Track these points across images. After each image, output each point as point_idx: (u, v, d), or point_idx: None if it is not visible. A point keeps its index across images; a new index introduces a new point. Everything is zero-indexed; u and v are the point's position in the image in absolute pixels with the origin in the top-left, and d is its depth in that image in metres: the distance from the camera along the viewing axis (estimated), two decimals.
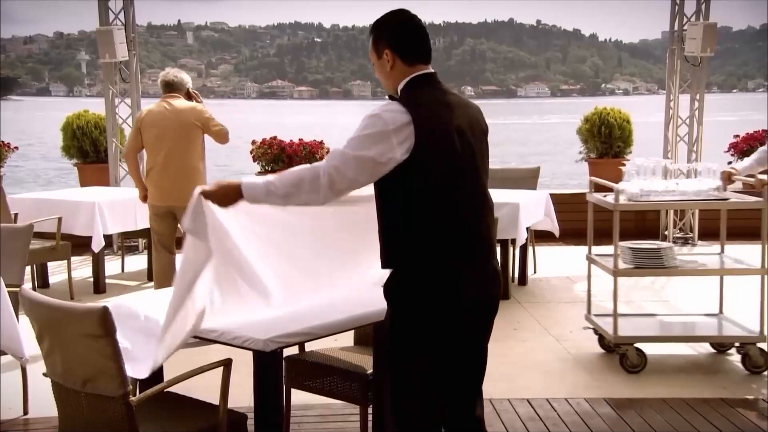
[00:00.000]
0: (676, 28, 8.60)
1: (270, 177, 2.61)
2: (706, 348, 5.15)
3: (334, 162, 2.52)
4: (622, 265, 4.75)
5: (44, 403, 3.37)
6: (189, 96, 5.77)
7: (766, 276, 4.66)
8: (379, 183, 2.58)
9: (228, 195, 2.65)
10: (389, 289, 2.63)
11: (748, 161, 4.90)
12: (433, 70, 2.67)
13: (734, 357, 4.95)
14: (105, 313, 2.50)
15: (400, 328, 2.62)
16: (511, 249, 6.53)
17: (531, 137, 46.90)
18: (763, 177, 4.70)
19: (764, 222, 4.62)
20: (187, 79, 5.81)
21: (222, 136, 5.71)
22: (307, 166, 2.60)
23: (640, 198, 4.73)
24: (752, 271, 4.78)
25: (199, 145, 5.68)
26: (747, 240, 6.32)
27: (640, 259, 4.75)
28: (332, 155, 2.55)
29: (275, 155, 8.74)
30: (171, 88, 5.71)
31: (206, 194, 2.66)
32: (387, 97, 2.67)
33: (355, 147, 2.50)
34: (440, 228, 2.55)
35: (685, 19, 8.53)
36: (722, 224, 5.18)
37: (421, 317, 2.57)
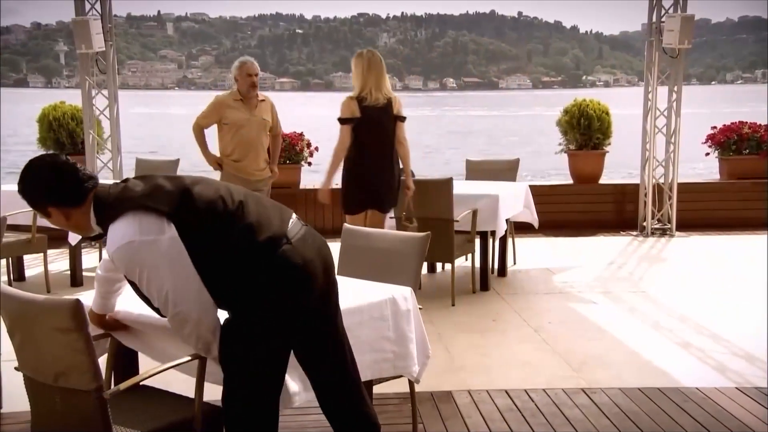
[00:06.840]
0: (654, 20, 8.64)
1: None
2: (681, 338, 5.19)
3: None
4: None
5: (17, 398, 3.33)
6: None
7: None
8: None
9: None
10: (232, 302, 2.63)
11: None
12: None
13: (706, 347, 4.99)
14: (76, 306, 2.46)
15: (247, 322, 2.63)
16: (490, 240, 6.54)
17: (511, 129, 47.00)
18: None
19: None
20: (232, 73, 6.87)
21: None
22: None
23: None
24: None
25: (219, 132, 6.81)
26: None
27: None
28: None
29: None
30: None
31: None
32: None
33: None
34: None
35: (663, 11, 8.57)
36: None
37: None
